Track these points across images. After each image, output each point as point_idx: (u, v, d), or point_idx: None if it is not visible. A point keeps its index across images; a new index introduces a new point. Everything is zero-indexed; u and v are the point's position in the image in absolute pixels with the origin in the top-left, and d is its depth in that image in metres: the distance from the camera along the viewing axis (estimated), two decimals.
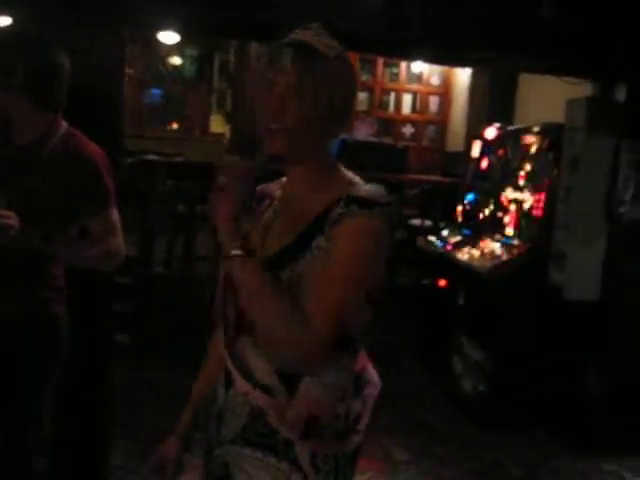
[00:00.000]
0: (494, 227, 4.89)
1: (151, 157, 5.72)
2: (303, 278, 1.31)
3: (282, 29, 3.80)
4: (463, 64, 5.98)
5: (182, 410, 1.63)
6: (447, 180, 6.57)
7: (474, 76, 7.22)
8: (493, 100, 6.50)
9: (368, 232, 1.30)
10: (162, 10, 3.26)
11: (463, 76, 7.66)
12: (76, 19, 2.70)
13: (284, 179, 1.51)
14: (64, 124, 2.16)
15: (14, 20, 2.74)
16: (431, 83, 8.27)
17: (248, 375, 1.38)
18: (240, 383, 1.39)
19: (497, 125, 5.27)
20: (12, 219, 1.92)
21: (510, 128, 5.17)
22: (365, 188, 1.35)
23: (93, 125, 2.25)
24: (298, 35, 1.38)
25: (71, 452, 2.77)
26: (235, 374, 1.40)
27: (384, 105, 8.34)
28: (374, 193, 1.33)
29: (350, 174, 1.44)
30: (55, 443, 2.23)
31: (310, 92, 1.32)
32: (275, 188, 1.52)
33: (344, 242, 1.30)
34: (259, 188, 1.54)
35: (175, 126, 10.20)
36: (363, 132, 7.85)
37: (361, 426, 1.44)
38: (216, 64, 9.97)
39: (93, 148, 2.16)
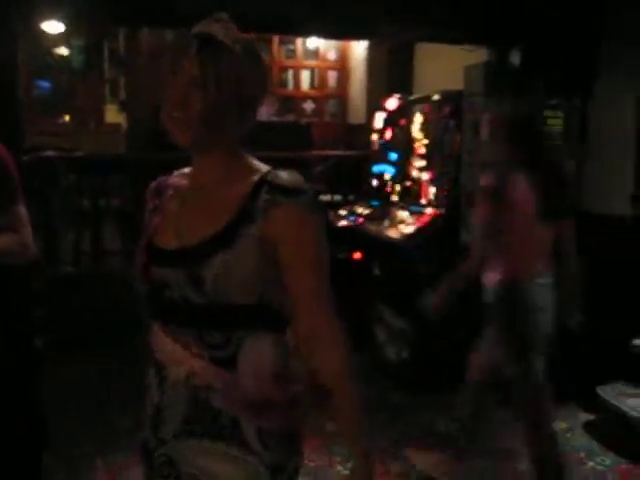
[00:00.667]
0: (403, 196, 4.98)
1: (49, 153, 5.51)
2: (235, 267, 1.33)
3: (174, 12, 3.71)
4: (360, 37, 6.01)
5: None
6: (352, 153, 6.63)
7: (370, 49, 7.28)
8: (391, 71, 6.57)
9: (314, 225, 1.39)
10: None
11: (359, 49, 7.71)
12: None
13: (186, 170, 1.51)
14: None
15: None
16: (328, 58, 8.27)
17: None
18: (181, 370, 1.39)
19: (397, 96, 5.34)
20: None
21: (411, 98, 5.25)
22: (283, 176, 1.38)
23: None
24: (205, 27, 1.37)
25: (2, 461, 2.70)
26: (171, 363, 1.40)
27: (283, 83, 8.30)
28: (294, 181, 1.37)
29: (256, 161, 1.46)
30: None
31: (213, 85, 1.33)
32: (177, 180, 1.51)
33: (300, 244, 1.37)
34: (156, 182, 1.55)
35: (67, 118, 9.86)
36: (264, 112, 7.80)
37: (301, 403, 1.47)
38: (105, 52, 9.67)
39: None
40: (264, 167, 1.42)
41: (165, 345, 1.41)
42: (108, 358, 4.65)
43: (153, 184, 1.55)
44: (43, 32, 5.11)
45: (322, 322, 1.41)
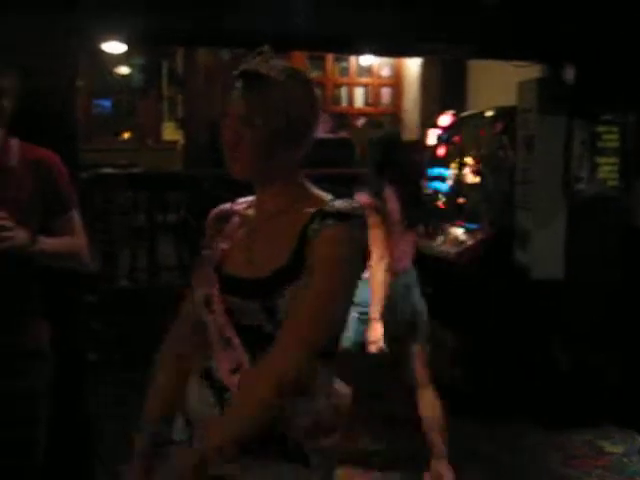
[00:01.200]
0: (456, 213, 4.94)
1: (107, 170, 5.66)
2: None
3: (229, 34, 3.77)
4: (413, 54, 6.01)
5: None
6: None
7: (424, 65, 7.26)
8: (445, 88, 6.54)
9: (347, 241, 1.36)
10: (108, 21, 3.23)
11: (413, 66, 7.70)
12: (25, 38, 2.67)
13: (251, 198, 1.53)
14: (13, 138, 2.13)
15: None
16: (382, 75, 8.29)
17: None
18: None
19: (451, 112, 5.32)
20: (6, 220, 1.89)
21: (464, 114, 5.23)
22: (338, 203, 1.39)
23: (48, 143, 2.22)
24: (249, 64, 1.39)
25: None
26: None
27: (336, 100, 8.34)
28: (347, 206, 1.37)
29: (318, 190, 1.47)
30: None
31: (262, 121, 1.36)
32: (243, 207, 1.54)
33: (327, 257, 1.34)
34: (219, 209, 1.57)
35: (126, 136, 10.10)
36: (319, 129, 7.84)
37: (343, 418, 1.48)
38: (164, 71, 9.89)
39: (47, 153, 2.17)
40: (327, 197, 1.44)
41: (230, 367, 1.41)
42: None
43: (215, 210, 1.58)
44: (103, 52, 5.26)
45: (291, 350, 1.32)
